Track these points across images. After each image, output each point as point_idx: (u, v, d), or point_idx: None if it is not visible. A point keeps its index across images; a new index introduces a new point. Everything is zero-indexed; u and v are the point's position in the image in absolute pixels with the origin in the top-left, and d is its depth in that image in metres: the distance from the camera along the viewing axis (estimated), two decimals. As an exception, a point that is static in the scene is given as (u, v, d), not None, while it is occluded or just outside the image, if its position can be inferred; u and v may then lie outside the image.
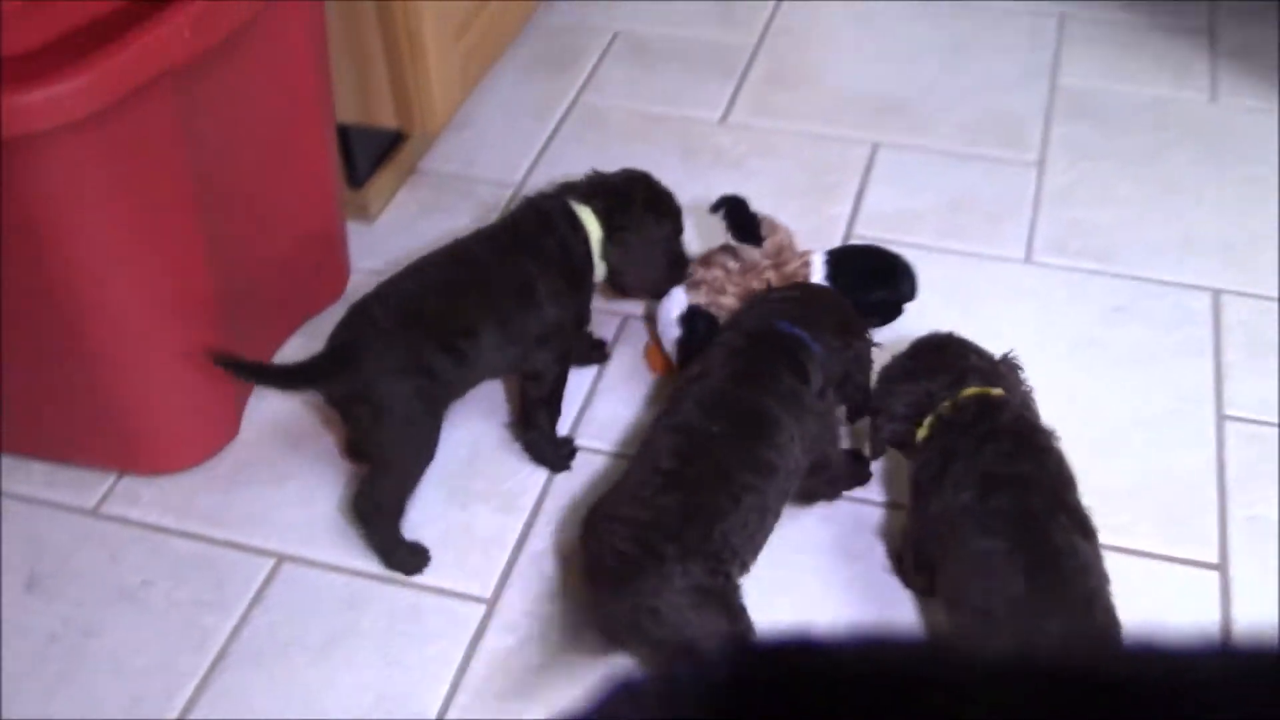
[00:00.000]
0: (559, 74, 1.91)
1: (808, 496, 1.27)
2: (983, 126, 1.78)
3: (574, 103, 1.86)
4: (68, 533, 1.31)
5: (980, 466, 1.11)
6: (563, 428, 1.38)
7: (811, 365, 1.20)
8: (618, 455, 1.37)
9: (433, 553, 1.28)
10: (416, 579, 1.26)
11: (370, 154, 1.65)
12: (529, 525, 1.31)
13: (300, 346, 1.46)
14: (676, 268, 1.41)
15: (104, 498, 1.35)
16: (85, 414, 1.32)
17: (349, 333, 1.24)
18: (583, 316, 1.39)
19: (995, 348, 1.26)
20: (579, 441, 1.38)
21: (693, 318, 1.37)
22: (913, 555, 1.20)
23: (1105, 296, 1.52)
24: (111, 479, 1.36)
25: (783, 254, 1.39)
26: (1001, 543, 1.06)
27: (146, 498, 1.34)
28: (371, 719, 1.14)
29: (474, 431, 1.39)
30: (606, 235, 1.35)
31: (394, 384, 1.22)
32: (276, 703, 1.16)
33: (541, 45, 1.97)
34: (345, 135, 1.58)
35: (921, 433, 1.18)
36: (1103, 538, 1.10)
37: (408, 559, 1.26)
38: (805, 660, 0.35)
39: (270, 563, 1.28)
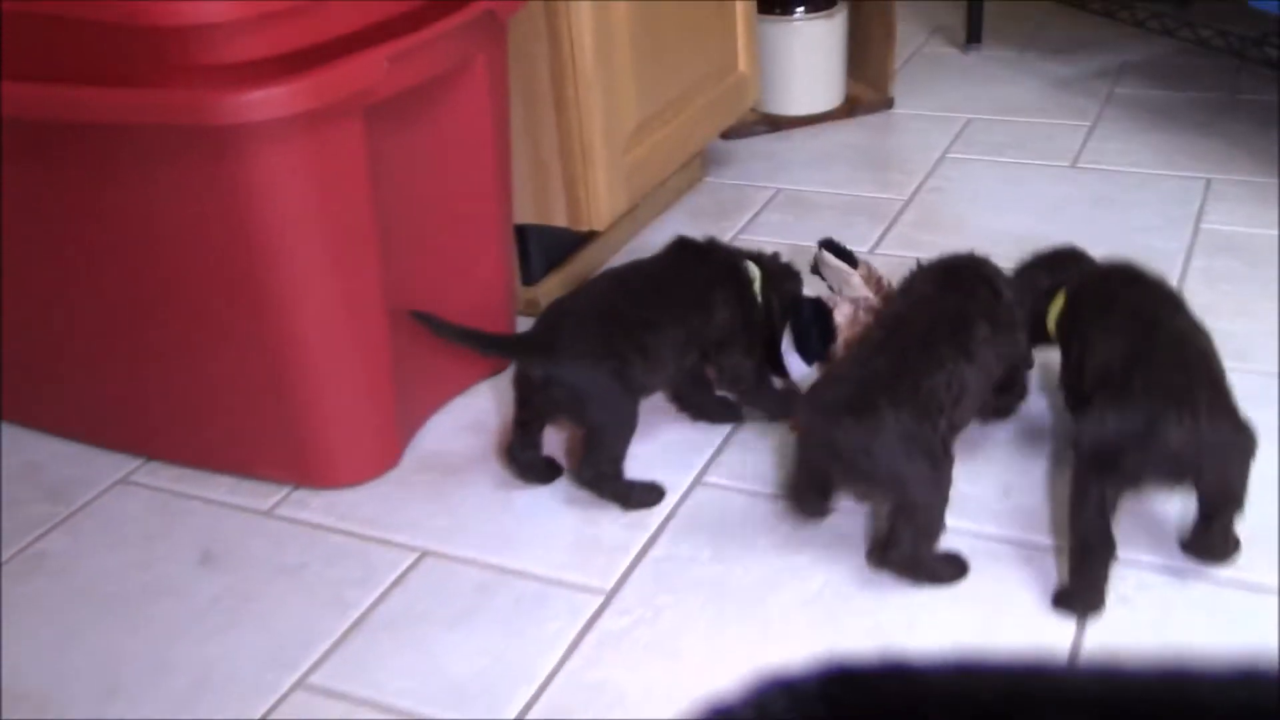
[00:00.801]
0: (723, 219, 2.10)
1: (994, 412, 1.47)
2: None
3: (733, 239, 2.03)
4: (242, 526, 1.46)
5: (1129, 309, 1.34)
6: (693, 469, 1.48)
7: (1001, 283, 1.39)
8: (752, 493, 1.44)
9: (562, 556, 1.36)
10: (543, 572, 1.34)
11: (546, 256, 1.85)
12: (653, 539, 1.38)
13: (451, 418, 1.62)
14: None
15: (278, 503, 1.49)
16: (270, 431, 1.49)
17: (549, 324, 1.43)
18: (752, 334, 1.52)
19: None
20: (710, 479, 1.47)
21: (804, 304, 1.48)
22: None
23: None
24: (286, 490, 1.51)
25: (878, 280, 1.51)
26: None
27: (314, 504, 1.48)
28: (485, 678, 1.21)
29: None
30: (764, 282, 1.52)
31: (590, 369, 1.38)
32: (403, 662, 1.24)
33: (709, 200, 2.18)
34: (524, 234, 1.79)
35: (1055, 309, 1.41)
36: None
37: (646, 496, 1.43)
38: (898, 687, 0.35)
39: (414, 555, 1.39)
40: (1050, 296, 1.43)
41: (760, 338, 1.53)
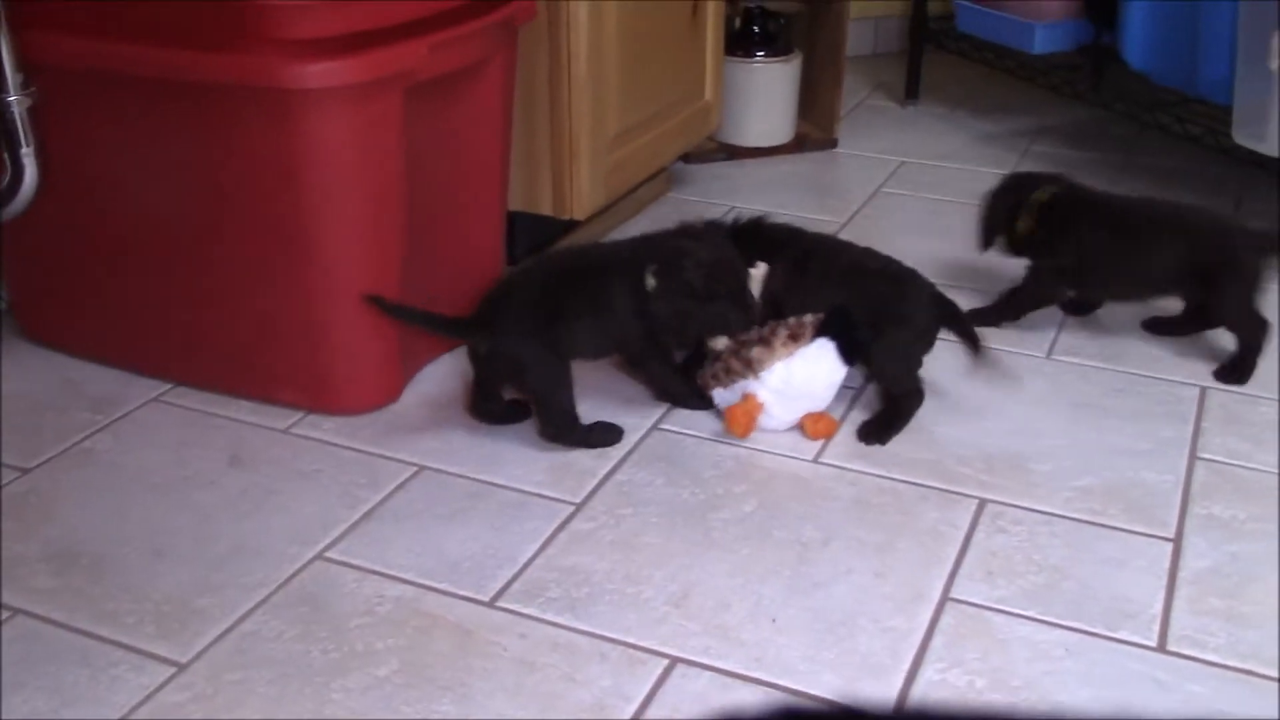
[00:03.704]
0: (683, 227, 2.39)
1: None
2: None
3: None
4: (264, 439, 1.70)
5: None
6: (652, 418, 1.75)
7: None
8: (699, 438, 1.71)
9: (540, 475, 1.62)
10: (524, 487, 1.60)
11: (529, 240, 2.12)
12: (617, 466, 1.65)
13: (444, 366, 1.88)
14: (710, 333, 1.74)
15: (294, 423, 1.74)
16: (292, 362, 1.73)
17: (488, 304, 1.66)
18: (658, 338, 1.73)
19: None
20: (665, 426, 1.74)
21: (835, 312, 1.70)
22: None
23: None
24: (302, 414, 1.76)
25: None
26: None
27: (326, 426, 1.73)
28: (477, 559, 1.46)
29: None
30: (658, 290, 1.67)
31: (523, 343, 1.63)
32: (406, 544, 1.49)
33: (672, 211, 2.46)
34: (512, 219, 2.06)
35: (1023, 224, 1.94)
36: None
37: (605, 435, 1.69)
38: None
39: (413, 470, 1.64)
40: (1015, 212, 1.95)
41: (655, 340, 1.72)
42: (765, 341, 1.70)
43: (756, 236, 1.85)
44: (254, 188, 1.61)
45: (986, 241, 2.01)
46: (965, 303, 1.77)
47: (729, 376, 1.72)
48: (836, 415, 1.75)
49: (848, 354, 1.70)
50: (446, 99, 1.70)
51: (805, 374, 1.68)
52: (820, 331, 1.70)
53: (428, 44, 1.57)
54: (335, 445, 1.69)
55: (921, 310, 1.76)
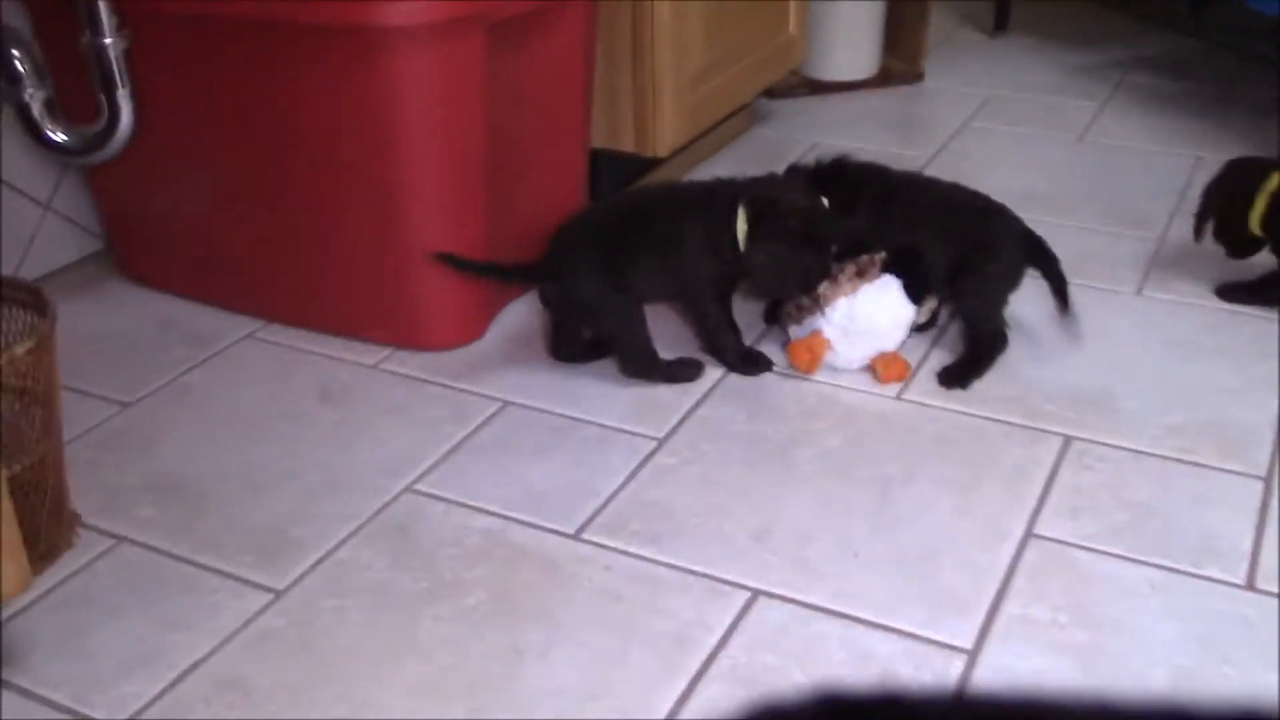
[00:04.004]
0: (765, 165, 2.36)
1: None
2: (1117, 215, 2.12)
3: (775, 181, 2.30)
4: (353, 375, 1.74)
5: None
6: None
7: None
8: (782, 375, 1.72)
9: (622, 411, 1.64)
10: (608, 422, 1.62)
11: (613, 178, 2.12)
12: (699, 402, 1.66)
13: (527, 304, 1.89)
14: (803, 284, 1.66)
15: (382, 360, 1.77)
16: (379, 300, 1.77)
17: (555, 248, 1.66)
18: (725, 284, 1.70)
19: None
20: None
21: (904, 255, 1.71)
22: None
23: None
24: (389, 351, 1.79)
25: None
26: None
27: (413, 363, 1.76)
28: (562, 494, 1.49)
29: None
30: (750, 237, 1.63)
31: (589, 284, 1.64)
32: (492, 477, 1.52)
33: (754, 147, 2.45)
34: (595, 157, 2.06)
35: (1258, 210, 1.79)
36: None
37: (686, 371, 1.69)
38: (892, 717, 0.35)
39: (498, 405, 1.67)
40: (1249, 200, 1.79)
41: (731, 284, 1.69)
42: (833, 278, 1.69)
43: (839, 176, 1.82)
44: (339, 129, 1.63)
45: (1203, 231, 1.87)
46: (1052, 238, 1.74)
47: (800, 313, 1.71)
48: (914, 359, 1.73)
49: (914, 292, 1.69)
50: (528, 39, 1.70)
51: (868, 310, 1.67)
52: (886, 268, 1.69)
53: (508, -19, 1.58)
54: (422, 380, 1.72)
55: (1010, 246, 1.74)
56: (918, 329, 1.76)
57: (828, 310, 1.68)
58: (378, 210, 1.69)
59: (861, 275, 1.69)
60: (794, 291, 1.70)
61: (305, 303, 1.83)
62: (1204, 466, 1.51)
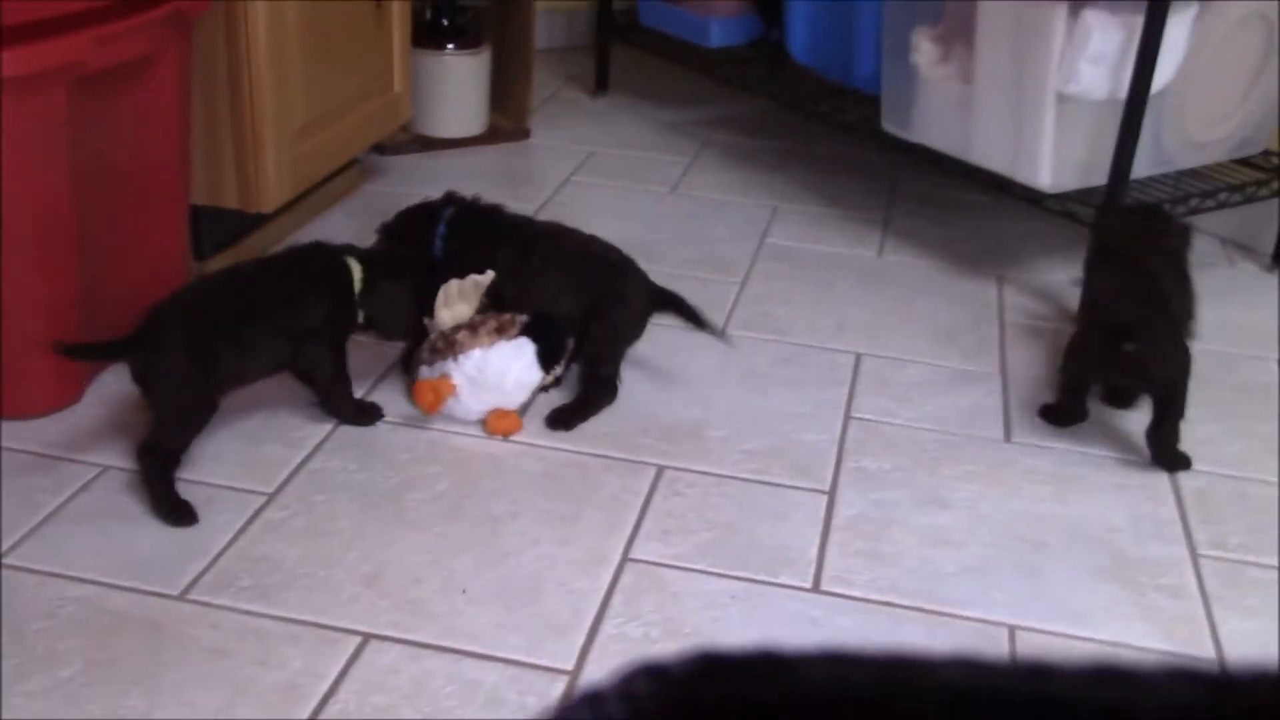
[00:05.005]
0: (377, 219, 2.40)
1: None
2: (707, 259, 2.31)
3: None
4: (-69, 448, 1.63)
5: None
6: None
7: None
8: (393, 425, 1.76)
9: (232, 469, 1.63)
10: (215, 480, 1.60)
11: (216, 236, 2.10)
12: (310, 456, 1.67)
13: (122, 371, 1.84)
14: (419, 314, 1.77)
15: None
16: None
17: (145, 324, 1.57)
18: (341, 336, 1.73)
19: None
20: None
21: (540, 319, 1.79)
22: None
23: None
24: None
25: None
26: None
27: (4, 431, 1.68)
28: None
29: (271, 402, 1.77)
30: (365, 283, 1.71)
31: (173, 364, 1.55)
32: (91, 544, 1.47)
33: (366, 203, 2.48)
34: (197, 214, 2.03)
35: None
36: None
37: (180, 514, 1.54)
38: (769, 674, 0.35)
39: (97, 470, 1.61)
40: None
41: (347, 334, 1.72)
42: (473, 327, 1.76)
43: (487, 223, 1.91)
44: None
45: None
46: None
47: (434, 355, 1.77)
48: (523, 415, 1.81)
49: (545, 359, 1.78)
50: (117, 95, 1.67)
51: (500, 366, 1.75)
52: (524, 331, 1.77)
53: (92, 36, 1.55)
54: (10, 450, 1.64)
55: (636, 297, 1.87)
56: (540, 389, 1.84)
57: (460, 357, 1.74)
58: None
59: (501, 331, 1.76)
60: (413, 327, 1.79)
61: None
62: (778, 485, 1.68)
